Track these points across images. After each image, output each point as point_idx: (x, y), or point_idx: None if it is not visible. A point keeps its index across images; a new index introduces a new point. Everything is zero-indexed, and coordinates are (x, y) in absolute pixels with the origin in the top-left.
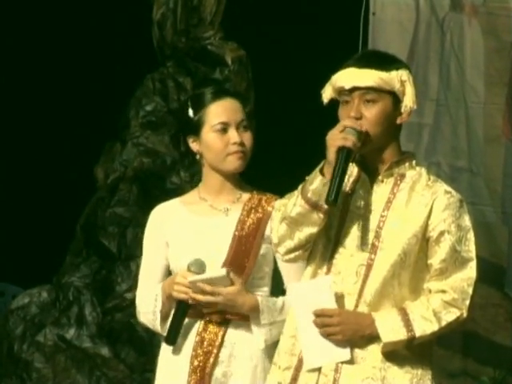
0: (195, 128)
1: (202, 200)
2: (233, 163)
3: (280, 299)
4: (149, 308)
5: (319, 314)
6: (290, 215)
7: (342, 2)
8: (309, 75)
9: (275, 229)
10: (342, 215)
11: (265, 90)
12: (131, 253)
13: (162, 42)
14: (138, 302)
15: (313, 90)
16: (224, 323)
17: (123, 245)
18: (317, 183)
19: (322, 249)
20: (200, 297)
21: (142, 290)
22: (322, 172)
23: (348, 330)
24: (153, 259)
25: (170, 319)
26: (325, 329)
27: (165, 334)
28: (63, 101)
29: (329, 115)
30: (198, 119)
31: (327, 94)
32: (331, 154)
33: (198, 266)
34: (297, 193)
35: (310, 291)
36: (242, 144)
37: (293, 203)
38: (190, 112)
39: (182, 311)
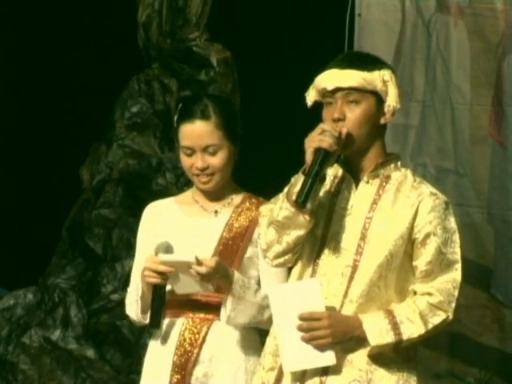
0: (176, 138)
1: (194, 201)
2: (200, 185)
3: (255, 285)
4: (132, 298)
5: (307, 318)
6: (276, 219)
7: (327, 3)
8: (295, 76)
9: (263, 234)
10: (327, 216)
11: (250, 91)
12: (117, 254)
13: (148, 43)
14: (126, 300)
15: (299, 91)
16: (206, 323)
17: (109, 246)
18: (300, 185)
19: (308, 250)
20: (166, 268)
21: (131, 287)
22: (304, 173)
23: (338, 333)
24: (144, 255)
25: (150, 304)
26: (313, 333)
27: (147, 321)
28: (49, 102)
29: (315, 116)
30: (175, 132)
31: (311, 96)
32: (309, 155)
33: (164, 249)
34: (282, 196)
35: (294, 293)
36: (205, 169)
37: (279, 207)
38: (174, 121)
39: (158, 294)
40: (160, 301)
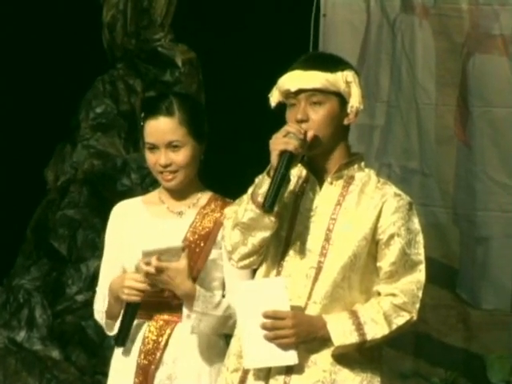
0: (141, 136)
1: (160, 201)
2: (164, 182)
3: (219, 296)
4: (99, 307)
5: (271, 316)
6: (241, 221)
7: (292, 4)
8: (260, 77)
9: (228, 236)
10: (292, 217)
11: (215, 91)
12: (82, 255)
13: (112, 43)
14: (95, 299)
15: (264, 91)
16: (170, 325)
17: (74, 247)
18: (265, 186)
19: (272, 251)
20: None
21: (100, 287)
22: (269, 175)
23: (302, 332)
24: (112, 257)
25: (120, 320)
26: (276, 332)
27: (112, 333)
28: (13, 103)
29: (280, 117)
30: (141, 130)
31: (274, 97)
32: (273, 157)
33: (148, 256)
34: (246, 198)
35: (259, 291)
36: (168, 166)
37: (244, 209)
38: (140, 119)
39: (131, 313)
40: (131, 319)
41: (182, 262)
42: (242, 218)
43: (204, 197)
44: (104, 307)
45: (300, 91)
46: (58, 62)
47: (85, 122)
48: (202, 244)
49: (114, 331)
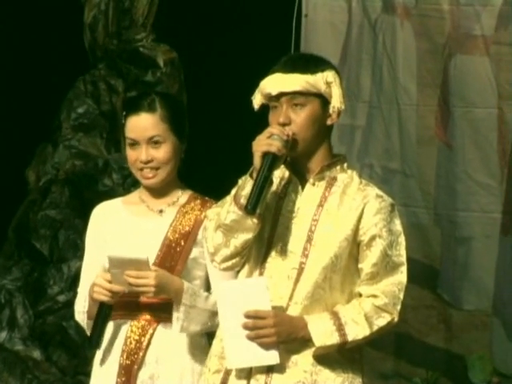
0: (123, 134)
1: (140, 200)
2: (144, 180)
3: (206, 292)
4: (80, 308)
5: (252, 316)
6: (224, 223)
7: (274, 4)
8: (241, 77)
9: (210, 238)
10: (274, 219)
11: (196, 91)
12: (63, 255)
13: (94, 44)
14: (76, 300)
15: (245, 91)
16: (152, 325)
17: (55, 247)
18: (248, 188)
19: (254, 252)
20: (118, 288)
21: (81, 288)
22: (252, 176)
23: (283, 332)
24: (93, 258)
25: (93, 321)
26: (258, 331)
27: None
28: None
29: (261, 117)
30: (122, 127)
31: (257, 100)
32: (256, 159)
33: (119, 264)
34: (229, 199)
35: (241, 290)
36: (149, 162)
37: (226, 210)
38: (122, 118)
39: (103, 313)
40: (104, 320)
41: (155, 268)
42: (225, 220)
43: (184, 195)
44: (85, 308)
45: (281, 94)
46: (40, 62)
47: (66, 123)
48: (182, 243)
49: None
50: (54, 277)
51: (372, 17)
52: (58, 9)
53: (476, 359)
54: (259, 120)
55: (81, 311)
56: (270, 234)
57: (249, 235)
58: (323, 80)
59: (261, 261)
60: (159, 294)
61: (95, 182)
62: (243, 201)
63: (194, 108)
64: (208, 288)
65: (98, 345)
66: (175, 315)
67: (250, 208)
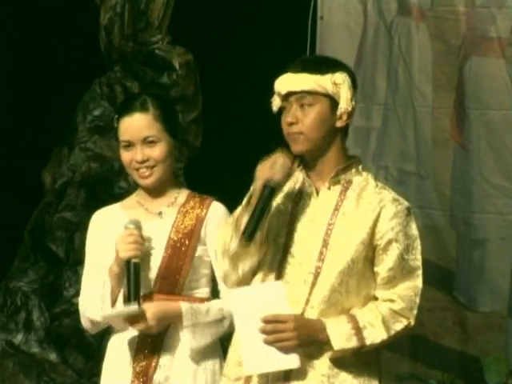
0: (116, 137)
1: (138, 204)
2: (141, 180)
3: (205, 304)
4: (96, 300)
5: (271, 320)
6: (228, 250)
7: (289, 7)
8: (257, 79)
9: (219, 262)
10: (289, 224)
11: (212, 94)
12: (79, 258)
13: (110, 46)
14: (81, 304)
15: (261, 93)
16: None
17: (71, 250)
18: (247, 216)
19: (269, 259)
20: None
21: (86, 293)
22: (249, 201)
23: (303, 336)
24: (95, 263)
25: (125, 282)
26: (278, 335)
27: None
28: (10, 105)
29: (276, 119)
30: (116, 131)
31: (276, 102)
32: (257, 185)
33: (135, 222)
34: (232, 222)
35: (257, 296)
36: (145, 161)
37: (230, 236)
38: (115, 121)
39: (134, 270)
40: (136, 276)
41: (150, 305)
42: (229, 248)
43: (182, 195)
44: (107, 291)
45: (290, 94)
46: (56, 64)
47: (82, 125)
48: (186, 242)
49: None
50: (70, 279)
51: (387, 19)
52: (74, 11)
53: (491, 361)
54: (274, 121)
55: (97, 301)
56: (286, 240)
57: (254, 260)
58: (331, 81)
59: (276, 266)
60: (161, 327)
61: (111, 184)
62: (243, 227)
63: (209, 110)
64: (214, 286)
65: (137, 299)
66: (182, 339)
67: (246, 237)
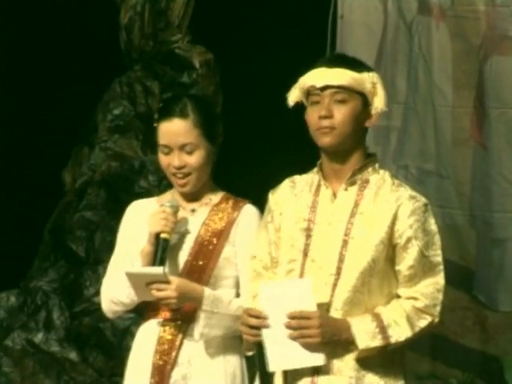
0: (156, 138)
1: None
2: (178, 187)
3: (232, 294)
4: (120, 281)
5: (297, 316)
6: None
7: (310, 6)
8: (277, 78)
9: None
10: (308, 228)
11: (233, 93)
12: (99, 257)
13: (130, 45)
14: (104, 288)
15: (281, 92)
16: (184, 325)
17: (91, 249)
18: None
19: (291, 263)
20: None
21: (111, 277)
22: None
23: (327, 333)
24: (125, 250)
25: (153, 254)
26: (302, 331)
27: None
28: (30, 105)
29: (297, 118)
30: (155, 132)
31: (293, 96)
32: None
33: (172, 202)
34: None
35: (285, 291)
36: (181, 167)
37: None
38: (155, 121)
39: (162, 243)
40: (164, 250)
41: (175, 280)
42: None
43: (216, 196)
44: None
45: (325, 88)
46: (76, 63)
47: (102, 124)
48: (214, 241)
49: None
50: (90, 278)
51: (407, 18)
52: (94, 10)
53: None
54: (295, 120)
55: (124, 286)
56: (305, 245)
57: None
58: (369, 79)
59: (298, 270)
60: (182, 303)
61: (131, 183)
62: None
63: (229, 109)
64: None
65: (163, 262)
66: (196, 322)
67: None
